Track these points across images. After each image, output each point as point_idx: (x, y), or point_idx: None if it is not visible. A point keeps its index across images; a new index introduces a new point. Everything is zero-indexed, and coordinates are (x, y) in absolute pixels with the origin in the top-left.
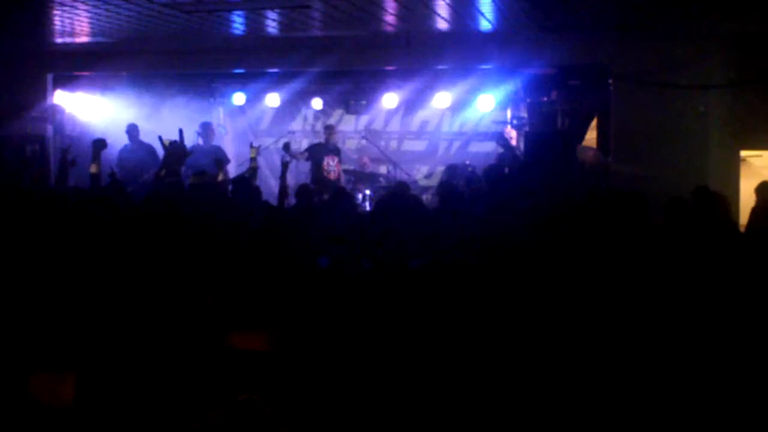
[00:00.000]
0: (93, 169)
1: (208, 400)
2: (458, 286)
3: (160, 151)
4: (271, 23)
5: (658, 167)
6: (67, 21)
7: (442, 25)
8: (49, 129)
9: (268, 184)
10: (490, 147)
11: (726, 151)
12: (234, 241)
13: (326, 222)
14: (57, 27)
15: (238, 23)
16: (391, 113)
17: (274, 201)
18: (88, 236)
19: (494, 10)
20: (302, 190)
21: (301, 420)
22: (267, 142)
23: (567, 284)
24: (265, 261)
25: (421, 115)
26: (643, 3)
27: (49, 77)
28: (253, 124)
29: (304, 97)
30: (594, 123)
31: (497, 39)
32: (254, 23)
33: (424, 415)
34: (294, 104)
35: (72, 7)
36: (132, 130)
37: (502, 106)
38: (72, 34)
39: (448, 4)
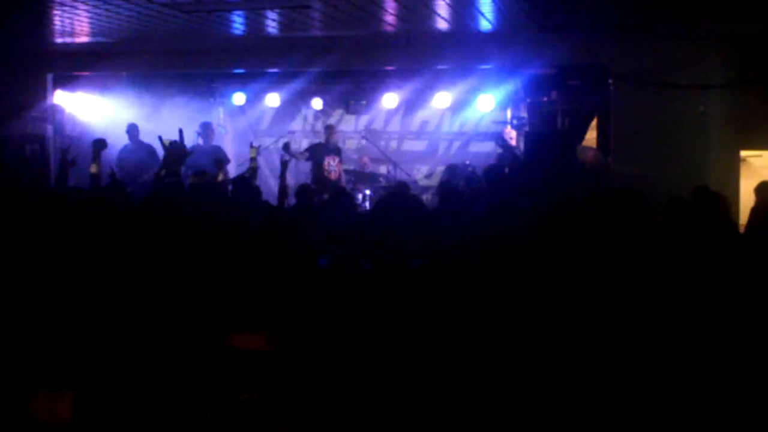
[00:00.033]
0: (93, 169)
1: (208, 400)
2: (458, 286)
3: (160, 151)
4: (271, 23)
5: (658, 167)
6: (67, 21)
7: (442, 25)
8: (49, 129)
9: (268, 184)
10: (490, 147)
11: (726, 151)
12: (234, 241)
13: (326, 222)
14: (57, 27)
15: (238, 23)
16: (391, 113)
17: (274, 201)
18: (88, 236)
19: (494, 10)
20: (302, 190)
21: (301, 420)
22: (267, 142)
23: (567, 284)
24: (265, 261)
25: (421, 115)
26: (643, 3)
27: (49, 77)
28: (253, 124)
29: (304, 97)
30: (594, 123)
31: (497, 39)
32: (254, 23)
33: (423, 415)
34: (294, 104)
35: (72, 7)
36: (132, 130)
37: (502, 106)
38: (72, 34)
39: (448, 4)
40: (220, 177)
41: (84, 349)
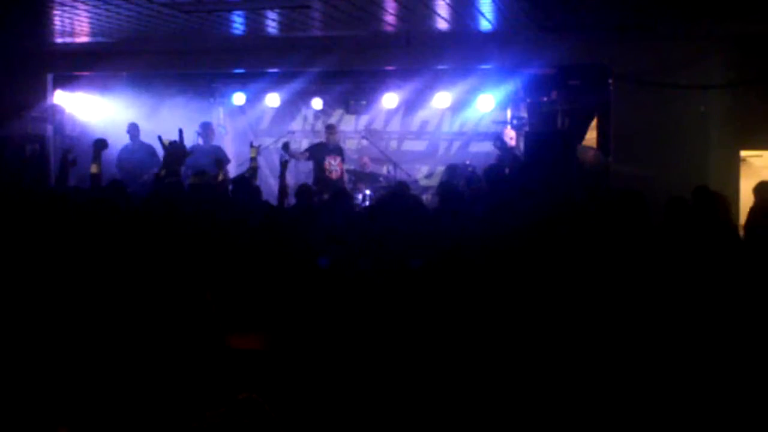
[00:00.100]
0: (94, 169)
1: (208, 400)
2: (458, 286)
3: (160, 151)
4: (271, 23)
5: (658, 167)
6: (67, 21)
7: (442, 25)
8: (49, 129)
9: (268, 183)
10: (490, 147)
11: (726, 151)
12: (234, 241)
13: (326, 222)
14: (57, 27)
15: (238, 23)
16: (391, 113)
17: (274, 201)
18: (88, 236)
19: (494, 10)
20: (302, 190)
21: (301, 419)
22: (267, 142)
23: (567, 284)
24: (264, 261)
25: (421, 115)
26: (643, 3)
27: (49, 77)
28: (253, 124)
29: (304, 97)
30: (594, 123)
31: (497, 39)
32: (254, 23)
33: (423, 414)
34: (294, 104)
35: (72, 7)
36: (132, 130)
37: (502, 106)
38: (72, 34)
39: (448, 4)
40: (220, 177)
41: (84, 349)
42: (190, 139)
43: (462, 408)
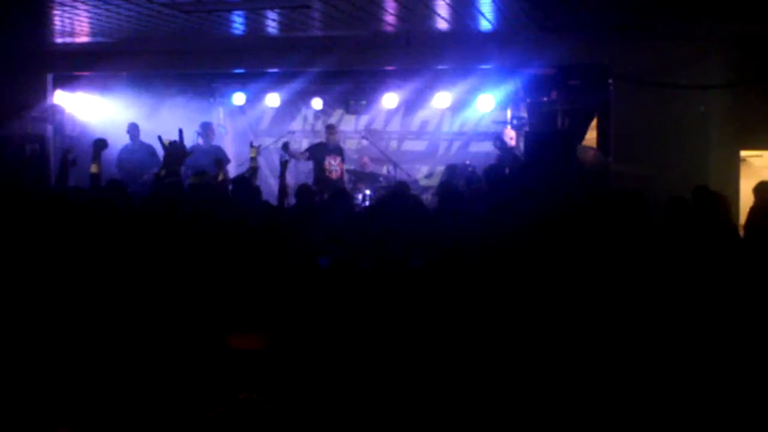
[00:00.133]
0: (93, 169)
1: (208, 400)
2: (458, 286)
3: (161, 151)
4: (271, 23)
5: (658, 167)
6: (67, 21)
7: (442, 25)
8: (49, 129)
9: (268, 183)
10: (490, 147)
11: (726, 151)
12: (234, 241)
13: (326, 222)
14: (57, 27)
15: (238, 23)
16: (391, 113)
17: (274, 201)
18: (88, 236)
19: (494, 10)
20: (302, 190)
21: (302, 419)
22: (267, 142)
23: (567, 284)
24: (264, 261)
25: (421, 115)
26: (643, 3)
27: (49, 77)
28: (253, 124)
29: (304, 97)
30: (594, 123)
31: (497, 39)
32: (254, 23)
33: (423, 413)
34: (294, 104)
35: (72, 7)
36: (132, 130)
37: (502, 106)
38: (72, 34)
39: (448, 4)
40: (220, 177)
41: (84, 349)
42: (190, 139)
43: (462, 408)
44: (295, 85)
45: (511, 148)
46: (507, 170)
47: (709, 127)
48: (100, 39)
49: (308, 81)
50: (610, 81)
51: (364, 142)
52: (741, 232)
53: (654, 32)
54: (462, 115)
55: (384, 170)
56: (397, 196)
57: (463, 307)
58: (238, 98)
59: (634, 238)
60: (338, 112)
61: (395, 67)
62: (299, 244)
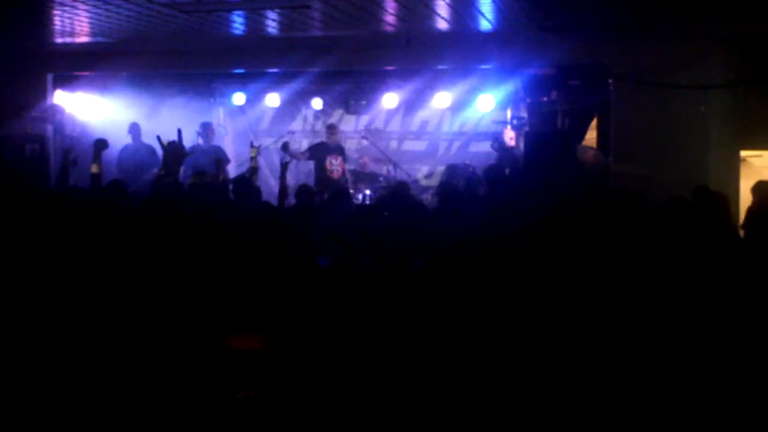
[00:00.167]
0: (94, 169)
1: (208, 400)
2: (458, 286)
3: (160, 152)
4: (271, 23)
5: (658, 167)
6: (67, 21)
7: (442, 25)
8: (49, 129)
9: (268, 184)
10: (490, 147)
11: (726, 151)
12: (234, 241)
13: (325, 221)
14: (57, 27)
15: (238, 23)
16: (391, 113)
17: (274, 201)
18: (88, 237)
19: (494, 10)
20: (302, 191)
21: (301, 419)
22: (267, 142)
23: (567, 284)
24: (264, 261)
25: (421, 115)
26: (643, 3)
27: (49, 77)
28: (253, 124)
29: (304, 97)
30: (594, 123)
31: (497, 39)
32: (254, 23)
33: (423, 414)
34: (294, 104)
35: (72, 7)
36: (134, 130)
37: (502, 106)
38: (72, 34)
39: (448, 4)
40: (220, 177)
41: (84, 349)
42: (191, 139)
43: (462, 407)
44: (295, 85)
45: (511, 149)
46: (507, 170)
47: (709, 127)
48: (100, 39)
49: (308, 81)
50: (610, 81)
51: (364, 142)
52: (741, 232)
53: (654, 32)
54: (462, 115)
55: (384, 170)
56: (397, 196)
57: (463, 307)
58: (238, 98)
59: (634, 238)
60: (338, 112)
61: (395, 67)
62: (299, 243)
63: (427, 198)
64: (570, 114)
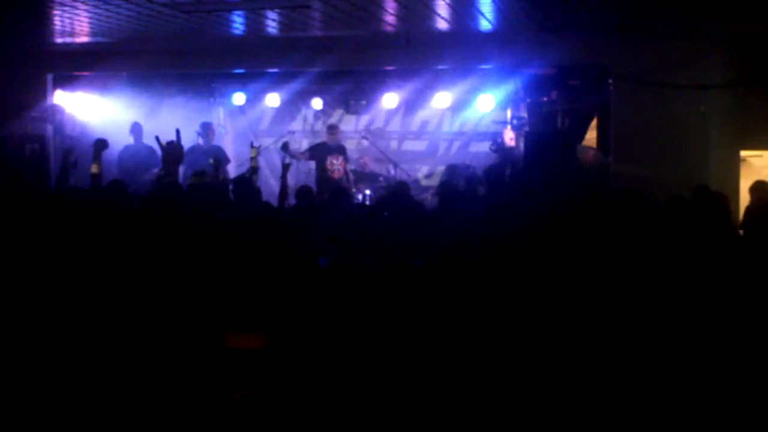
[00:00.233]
0: (94, 169)
1: (208, 400)
2: (458, 286)
3: (160, 152)
4: (271, 23)
5: (658, 167)
6: (67, 21)
7: (442, 25)
8: (49, 129)
9: (269, 184)
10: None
11: (726, 151)
12: (233, 240)
13: (326, 222)
14: (57, 27)
15: (238, 23)
16: (391, 113)
17: (274, 201)
18: (88, 237)
19: (494, 10)
20: (303, 191)
21: (301, 419)
22: (267, 142)
23: (567, 284)
24: (264, 260)
25: (421, 115)
26: (643, 3)
27: (49, 77)
28: (253, 124)
29: (304, 97)
30: (594, 123)
31: (497, 39)
32: (254, 23)
33: (423, 413)
34: (294, 104)
35: (72, 7)
36: (136, 130)
37: (502, 106)
38: (72, 34)
39: (448, 4)
40: (220, 177)
41: (83, 348)
42: (191, 139)
43: (462, 407)
44: (295, 85)
45: (511, 149)
46: (508, 171)
47: (709, 127)
48: (100, 39)
49: (308, 81)
50: (610, 81)
51: (365, 142)
52: (741, 232)
53: (654, 32)
54: (462, 115)
55: (384, 170)
56: (397, 196)
57: (463, 307)
58: (238, 98)
59: (634, 238)
60: (338, 112)
61: (395, 67)
62: (299, 243)
63: (427, 198)
64: (570, 114)
